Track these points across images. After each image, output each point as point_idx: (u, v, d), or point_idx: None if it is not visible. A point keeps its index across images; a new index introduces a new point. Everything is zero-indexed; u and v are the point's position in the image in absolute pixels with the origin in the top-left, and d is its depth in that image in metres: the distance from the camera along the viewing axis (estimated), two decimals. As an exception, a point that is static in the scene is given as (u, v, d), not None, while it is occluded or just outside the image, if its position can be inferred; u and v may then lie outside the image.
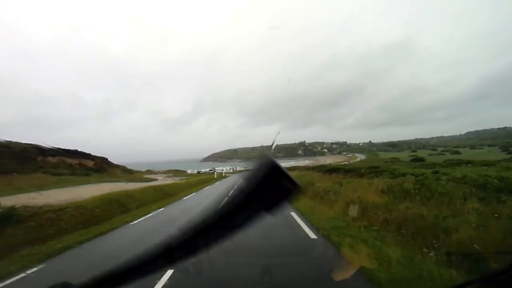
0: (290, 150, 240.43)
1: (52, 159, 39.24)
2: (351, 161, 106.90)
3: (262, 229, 6.16)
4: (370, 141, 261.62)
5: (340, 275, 3.66)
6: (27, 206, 8.64)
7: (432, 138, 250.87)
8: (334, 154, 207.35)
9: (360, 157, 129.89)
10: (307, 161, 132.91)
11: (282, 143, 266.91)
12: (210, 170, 65.67)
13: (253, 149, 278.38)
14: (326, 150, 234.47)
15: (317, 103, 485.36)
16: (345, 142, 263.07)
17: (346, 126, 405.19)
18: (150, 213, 11.92)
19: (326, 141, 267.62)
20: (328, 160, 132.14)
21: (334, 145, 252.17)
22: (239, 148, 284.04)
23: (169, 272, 4.18)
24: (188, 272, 4.09)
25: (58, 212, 8.91)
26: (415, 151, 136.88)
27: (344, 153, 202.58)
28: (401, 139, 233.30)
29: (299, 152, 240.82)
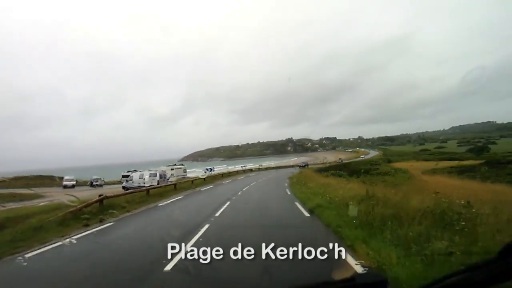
0: (278, 147, 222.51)
1: None
2: (365, 157, 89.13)
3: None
4: (359, 136, 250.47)
5: (340, 275, 3.10)
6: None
7: (417, 134, 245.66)
8: (327, 150, 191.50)
9: (372, 152, 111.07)
10: (305, 158, 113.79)
11: (270, 140, 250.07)
12: (125, 175, 31.15)
13: (238, 147, 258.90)
14: (318, 146, 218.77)
15: (310, 99, 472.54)
16: (335, 137, 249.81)
17: (333, 123, 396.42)
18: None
19: (314, 137, 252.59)
20: (328, 156, 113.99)
21: (324, 141, 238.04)
22: (223, 146, 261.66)
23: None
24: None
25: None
26: (423, 143, 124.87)
27: (339, 148, 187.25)
28: (387, 134, 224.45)
29: (289, 148, 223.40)
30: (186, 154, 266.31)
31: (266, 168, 55.81)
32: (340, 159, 78.97)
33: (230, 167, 58.05)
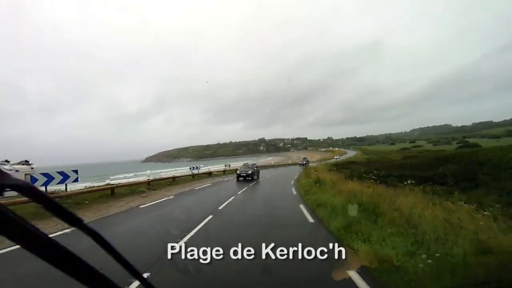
0: (251, 147, 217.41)
1: None
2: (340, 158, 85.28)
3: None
4: (329, 137, 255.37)
5: (340, 275, 3.40)
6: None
7: (382, 135, 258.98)
8: (299, 150, 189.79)
9: (349, 152, 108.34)
10: (279, 157, 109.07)
11: (242, 140, 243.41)
12: None
13: (208, 146, 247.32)
14: (290, 146, 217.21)
15: (286, 100, 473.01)
16: (306, 138, 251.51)
17: (305, 124, 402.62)
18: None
19: (285, 137, 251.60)
20: (302, 156, 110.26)
21: (296, 141, 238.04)
22: (191, 146, 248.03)
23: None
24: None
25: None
26: (393, 143, 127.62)
27: (311, 148, 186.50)
28: (355, 135, 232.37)
29: (261, 148, 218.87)
30: (151, 155, 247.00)
31: (236, 170, 36.73)
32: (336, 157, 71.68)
33: (164, 170, 38.09)
